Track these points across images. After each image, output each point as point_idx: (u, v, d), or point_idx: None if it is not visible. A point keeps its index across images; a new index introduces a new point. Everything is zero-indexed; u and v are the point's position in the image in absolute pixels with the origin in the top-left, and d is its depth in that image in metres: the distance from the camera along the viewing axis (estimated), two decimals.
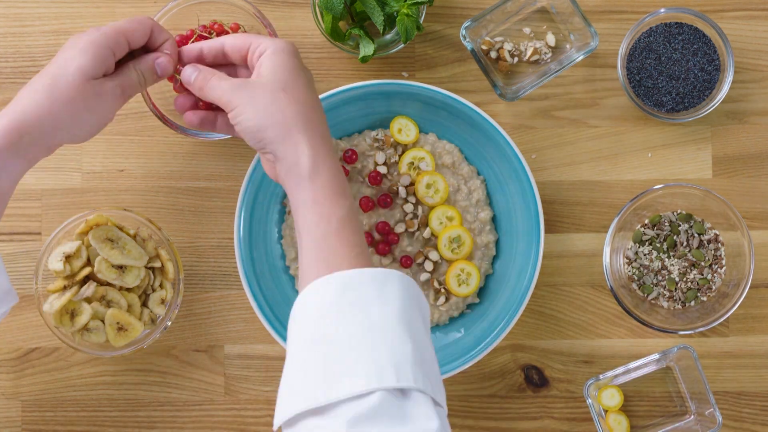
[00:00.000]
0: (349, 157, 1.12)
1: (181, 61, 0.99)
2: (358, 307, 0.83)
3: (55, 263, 1.05)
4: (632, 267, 1.14)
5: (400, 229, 1.12)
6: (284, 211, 1.13)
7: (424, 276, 1.12)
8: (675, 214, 1.14)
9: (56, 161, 1.15)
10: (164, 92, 1.12)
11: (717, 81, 1.13)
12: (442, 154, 1.13)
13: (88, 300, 1.07)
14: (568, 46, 1.16)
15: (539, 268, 1.10)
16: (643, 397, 1.15)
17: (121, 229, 1.09)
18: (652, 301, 1.14)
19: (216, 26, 1.12)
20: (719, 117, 1.16)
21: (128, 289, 1.09)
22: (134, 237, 1.09)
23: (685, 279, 1.14)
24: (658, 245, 1.14)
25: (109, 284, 1.08)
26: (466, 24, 1.11)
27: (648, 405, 1.15)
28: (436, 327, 1.14)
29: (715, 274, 1.14)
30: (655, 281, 1.14)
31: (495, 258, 1.14)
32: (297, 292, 1.13)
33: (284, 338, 1.10)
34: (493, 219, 1.14)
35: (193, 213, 1.15)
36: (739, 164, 1.15)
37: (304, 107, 0.91)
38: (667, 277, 1.14)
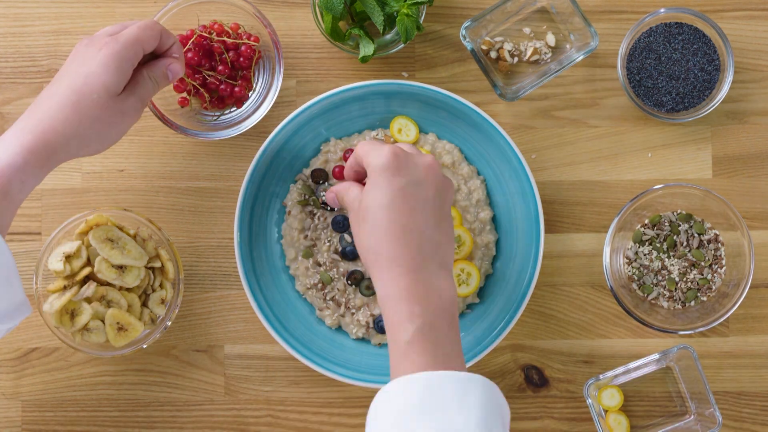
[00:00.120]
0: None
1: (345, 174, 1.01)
2: (439, 413, 0.82)
3: (55, 263, 1.05)
4: (632, 267, 1.14)
5: None
6: (284, 211, 1.13)
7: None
8: (675, 214, 1.14)
9: None
10: (164, 92, 1.12)
11: (717, 81, 1.13)
12: (442, 154, 1.13)
13: (88, 300, 1.07)
14: (568, 46, 1.16)
15: (539, 268, 1.10)
16: (643, 397, 1.15)
17: (121, 229, 1.09)
18: (652, 301, 1.14)
19: (216, 26, 1.12)
20: (719, 117, 1.16)
21: (128, 289, 1.09)
22: (134, 237, 1.09)
23: (685, 279, 1.14)
24: (658, 245, 1.14)
25: (109, 284, 1.08)
26: (466, 24, 1.11)
27: (648, 405, 1.15)
28: None
29: (715, 274, 1.14)
30: (655, 281, 1.14)
31: (495, 258, 1.14)
32: (297, 292, 1.13)
33: (284, 338, 1.10)
34: (493, 219, 1.14)
35: (193, 213, 1.15)
36: (739, 164, 1.16)
37: (376, 239, 0.90)
38: (667, 277, 1.14)
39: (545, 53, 1.15)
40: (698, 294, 1.14)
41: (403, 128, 1.13)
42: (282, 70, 1.11)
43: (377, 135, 1.12)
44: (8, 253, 0.92)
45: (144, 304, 1.10)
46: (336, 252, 1.12)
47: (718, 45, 1.12)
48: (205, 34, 1.11)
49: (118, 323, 1.07)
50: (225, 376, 1.14)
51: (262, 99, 1.13)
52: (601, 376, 1.11)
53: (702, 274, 1.14)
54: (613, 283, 1.11)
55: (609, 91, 1.16)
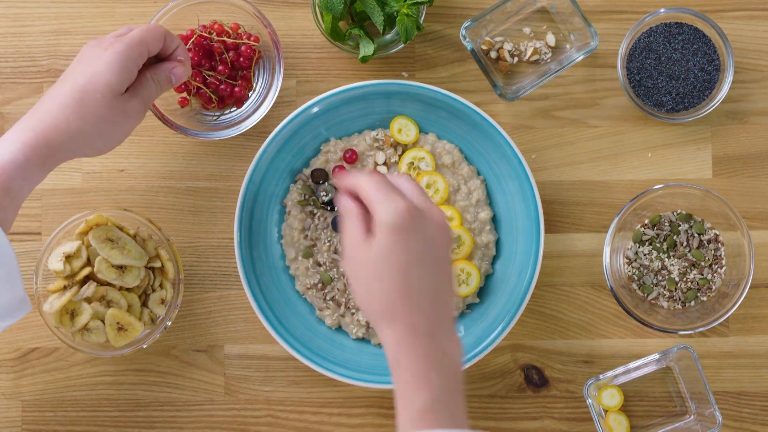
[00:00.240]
0: (349, 157, 1.12)
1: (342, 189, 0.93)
2: None
3: (55, 263, 1.05)
4: (632, 267, 1.14)
5: None
6: (284, 211, 1.13)
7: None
8: (675, 214, 1.14)
9: None
10: (165, 93, 1.12)
11: (717, 81, 1.13)
12: (442, 154, 1.13)
13: (88, 300, 1.07)
14: (568, 46, 1.15)
15: (539, 268, 1.10)
16: (643, 397, 1.15)
17: (121, 229, 1.09)
18: (652, 301, 1.14)
19: (216, 26, 1.12)
20: (719, 117, 1.16)
21: (128, 289, 1.09)
22: (134, 237, 1.09)
23: (685, 279, 1.14)
24: (658, 245, 1.14)
25: (109, 284, 1.08)
26: (466, 24, 1.11)
27: (648, 405, 1.15)
28: None
29: (715, 274, 1.14)
30: (655, 281, 1.14)
31: (495, 258, 1.14)
32: (297, 293, 1.13)
33: (284, 338, 1.10)
34: (493, 219, 1.14)
35: (193, 213, 1.15)
36: (739, 164, 1.15)
37: (392, 298, 0.87)
38: (667, 277, 1.14)
39: (545, 53, 1.15)
40: (698, 294, 1.14)
41: (403, 128, 1.13)
42: (282, 70, 1.11)
43: (377, 135, 1.12)
44: (10, 250, 0.92)
45: (144, 304, 1.10)
46: (336, 252, 1.12)
47: (718, 45, 1.12)
48: (205, 34, 1.11)
49: (118, 323, 1.07)
50: (225, 376, 1.14)
51: (262, 99, 1.13)
52: (601, 376, 1.11)
53: (702, 274, 1.14)
54: (613, 283, 1.11)
55: (609, 91, 1.16)
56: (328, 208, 1.12)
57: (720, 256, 1.14)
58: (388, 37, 1.14)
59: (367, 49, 1.10)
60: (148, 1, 1.15)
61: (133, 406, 1.14)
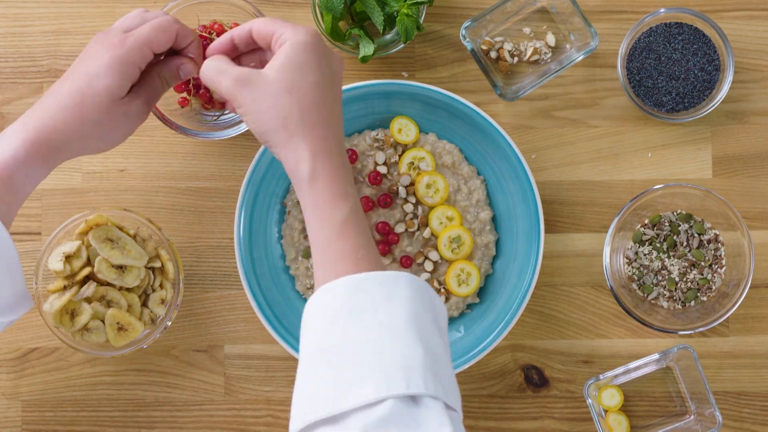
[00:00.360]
0: (349, 157, 1.12)
1: (213, 49, 0.97)
2: (366, 313, 0.82)
3: (55, 263, 1.05)
4: (632, 267, 1.14)
5: (400, 229, 1.12)
6: (284, 211, 1.13)
7: (424, 276, 1.12)
8: (675, 214, 1.14)
9: None
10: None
11: (717, 81, 1.13)
12: (442, 154, 1.13)
13: (88, 300, 1.07)
14: (568, 46, 1.16)
15: (539, 268, 1.10)
16: (643, 397, 1.15)
17: (121, 229, 1.09)
18: (652, 301, 1.14)
19: (216, 26, 1.12)
20: (719, 117, 1.16)
21: (128, 289, 1.09)
22: (134, 237, 1.09)
23: (685, 279, 1.14)
24: (658, 245, 1.14)
25: (109, 284, 1.08)
26: (466, 24, 1.11)
27: (648, 405, 1.15)
28: None
29: (715, 274, 1.14)
30: (655, 281, 1.14)
31: (495, 258, 1.14)
32: (297, 293, 1.13)
33: (284, 338, 1.10)
34: (493, 219, 1.14)
35: (193, 213, 1.15)
36: (739, 164, 1.16)
37: (308, 109, 0.89)
38: (667, 277, 1.14)
39: (545, 53, 1.15)
40: (698, 294, 1.14)
41: (403, 128, 1.13)
42: None
43: (377, 135, 1.12)
44: (12, 246, 0.92)
45: (144, 304, 1.10)
46: None
47: (718, 45, 1.12)
48: (205, 34, 1.11)
49: (118, 323, 1.07)
50: (225, 376, 1.14)
51: None
52: (601, 376, 1.11)
53: (702, 274, 1.14)
54: (613, 283, 1.11)
55: (609, 91, 1.16)
56: None
57: (720, 256, 1.14)
58: (388, 37, 1.14)
59: (367, 49, 1.10)
60: (148, 1, 1.15)
61: (133, 406, 1.14)
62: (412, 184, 1.12)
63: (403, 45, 1.12)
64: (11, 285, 0.93)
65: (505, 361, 1.15)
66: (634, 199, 1.10)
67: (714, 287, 1.14)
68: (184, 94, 1.13)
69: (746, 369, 1.15)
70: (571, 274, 1.15)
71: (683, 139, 1.16)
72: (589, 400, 1.11)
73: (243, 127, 1.12)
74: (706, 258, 1.14)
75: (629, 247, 1.15)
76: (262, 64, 0.97)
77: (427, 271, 1.12)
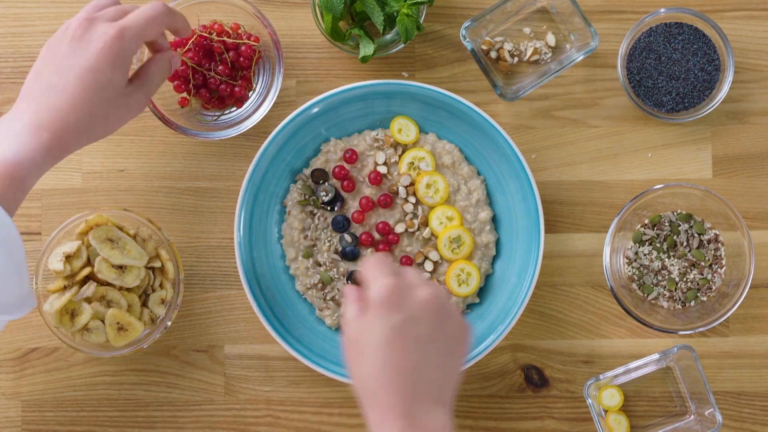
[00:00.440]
0: (349, 158, 1.12)
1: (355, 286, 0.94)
2: None
3: (55, 263, 1.05)
4: (632, 267, 1.14)
5: (400, 229, 1.12)
6: (284, 211, 1.13)
7: (424, 276, 1.12)
8: (675, 214, 1.14)
9: None
10: (164, 92, 1.12)
11: (717, 81, 1.13)
12: (442, 154, 1.13)
13: (88, 300, 1.07)
14: (568, 46, 1.16)
15: (539, 268, 1.10)
16: (643, 397, 1.15)
17: (121, 229, 1.09)
18: (652, 301, 1.14)
19: (216, 26, 1.12)
20: (719, 117, 1.16)
21: (128, 289, 1.09)
22: (134, 237, 1.09)
23: (685, 279, 1.14)
24: (658, 245, 1.14)
25: (109, 284, 1.08)
26: (466, 24, 1.11)
27: (648, 405, 1.15)
28: None
29: (715, 274, 1.14)
30: (655, 281, 1.14)
31: (495, 258, 1.14)
32: (297, 293, 1.13)
33: (284, 338, 1.10)
34: (493, 219, 1.14)
35: (193, 213, 1.15)
36: (739, 164, 1.15)
37: (369, 377, 0.86)
38: (667, 277, 1.14)
39: (545, 53, 1.15)
40: (698, 294, 1.14)
41: (403, 128, 1.13)
42: (282, 70, 1.11)
43: (377, 135, 1.12)
44: (21, 246, 0.93)
45: (144, 304, 1.10)
46: (336, 252, 1.12)
47: (718, 45, 1.12)
48: (205, 34, 1.11)
49: (118, 323, 1.07)
50: (225, 376, 1.14)
51: (262, 99, 1.13)
52: (601, 376, 1.11)
53: (702, 274, 1.14)
54: (613, 283, 1.11)
55: (609, 91, 1.16)
56: (328, 208, 1.12)
57: (720, 256, 1.14)
58: (388, 37, 1.14)
59: (367, 49, 1.10)
60: (148, 1, 1.15)
61: (133, 406, 1.14)
62: (412, 184, 1.12)
63: (403, 45, 1.12)
64: (18, 283, 0.93)
65: (505, 361, 1.15)
66: (634, 199, 1.10)
67: (714, 287, 1.14)
68: (184, 94, 1.13)
69: (746, 369, 1.15)
70: (571, 274, 1.15)
71: (683, 139, 1.16)
72: (589, 400, 1.11)
73: (243, 127, 1.12)
74: (706, 258, 1.14)
75: (629, 247, 1.15)
76: None
77: (427, 271, 1.12)
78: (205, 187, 1.15)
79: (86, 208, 1.15)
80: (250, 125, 1.12)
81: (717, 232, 1.14)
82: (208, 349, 1.14)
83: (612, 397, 1.13)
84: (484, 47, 1.15)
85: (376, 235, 1.12)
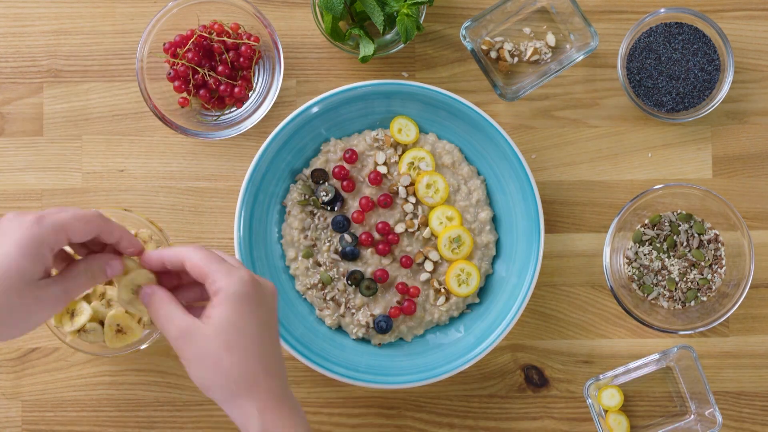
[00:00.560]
0: (349, 158, 1.12)
1: (144, 262, 0.92)
2: None
3: None
4: (632, 267, 1.14)
5: (400, 229, 1.12)
6: (284, 211, 1.13)
7: (424, 276, 1.12)
8: (675, 214, 1.14)
9: (56, 161, 1.15)
10: (164, 92, 1.12)
11: (717, 81, 1.13)
12: (442, 154, 1.13)
13: (88, 299, 1.07)
14: (568, 46, 1.16)
15: (539, 268, 1.10)
16: (643, 397, 1.15)
17: None
18: (652, 301, 1.14)
19: (216, 26, 1.12)
20: (719, 117, 1.16)
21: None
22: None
23: (685, 279, 1.14)
24: (658, 245, 1.14)
25: (109, 283, 1.08)
26: (466, 24, 1.11)
27: (648, 405, 1.15)
28: (436, 327, 1.14)
29: (715, 274, 1.14)
30: (655, 281, 1.14)
31: (495, 258, 1.14)
32: (297, 293, 1.13)
33: (284, 338, 1.10)
34: (493, 219, 1.14)
35: (193, 213, 1.15)
36: (739, 164, 1.15)
37: (249, 364, 0.87)
38: (667, 277, 1.14)
39: (545, 53, 1.15)
40: (698, 294, 1.14)
41: (403, 128, 1.13)
42: (282, 70, 1.11)
43: (377, 135, 1.12)
44: None
45: None
46: (336, 252, 1.12)
47: (718, 45, 1.12)
48: (205, 34, 1.11)
49: (117, 325, 1.07)
50: None
51: (262, 99, 1.13)
52: (601, 376, 1.11)
53: (702, 274, 1.14)
54: (613, 283, 1.11)
55: (609, 91, 1.16)
56: (328, 208, 1.12)
57: (720, 256, 1.14)
58: (388, 37, 1.14)
59: (367, 49, 1.10)
60: (148, 1, 1.15)
61: (133, 406, 1.14)
62: (412, 184, 1.12)
63: (403, 45, 1.12)
64: None
65: (505, 361, 1.15)
66: (634, 199, 1.10)
67: (714, 287, 1.14)
68: (184, 94, 1.13)
69: (746, 369, 1.15)
70: (571, 274, 1.15)
71: (683, 139, 1.16)
72: (589, 400, 1.11)
73: (243, 127, 1.12)
74: (706, 258, 1.14)
75: (629, 247, 1.15)
76: (202, 296, 0.94)
77: (427, 271, 1.12)
78: (205, 187, 1.15)
79: (86, 208, 1.14)
80: (250, 125, 1.12)
81: (717, 232, 1.14)
82: None
83: (612, 397, 1.13)
84: (484, 47, 1.15)
85: (376, 235, 1.12)
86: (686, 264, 1.14)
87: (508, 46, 1.15)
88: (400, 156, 1.13)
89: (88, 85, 1.15)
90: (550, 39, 1.15)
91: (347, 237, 1.11)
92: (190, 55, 1.10)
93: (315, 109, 1.10)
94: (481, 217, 1.12)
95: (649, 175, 1.15)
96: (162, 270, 0.92)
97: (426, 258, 1.12)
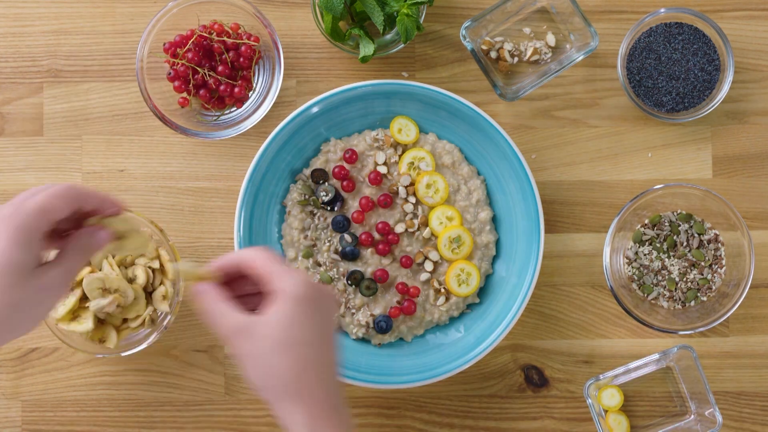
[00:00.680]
0: (349, 158, 1.12)
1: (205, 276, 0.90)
2: None
3: None
4: (632, 267, 1.14)
5: (400, 229, 1.12)
6: (284, 211, 1.13)
7: (424, 276, 1.12)
8: (675, 214, 1.14)
9: (56, 161, 1.15)
10: (164, 92, 1.12)
11: (717, 81, 1.13)
12: (442, 154, 1.13)
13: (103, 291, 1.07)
14: (568, 46, 1.16)
15: (539, 268, 1.10)
16: (643, 397, 1.15)
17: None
18: (652, 301, 1.14)
19: (216, 26, 1.12)
20: (719, 117, 1.16)
21: (133, 281, 1.09)
22: None
23: (685, 279, 1.14)
24: (658, 245, 1.14)
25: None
26: (466, 24, 1.11)
27: (648, 405, 1.15)
28: (436, 327, 1.14)
29: (715, 274, 1.14)
30: (655, 281, 1.14)
31: (495, 258, 1.14)
32: None
33: None
34: (493, 219, 1.14)
35: (193, 213, 1.15)
36: (739, 164, 1.15)
37: (304, 369, 0.85)
38: (667, 277, 1.14)
39: (545, 53, 1.15)
40: (698, 294, 1.14)
41: (403, 128, 1.13)
42: (282, 70, 1.11)
43: (377, 135, 1.12)
44: None
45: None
46: (336, 252, 1.12)
47: (718, 45, 1.12)
48: (205, 34, 1.11)
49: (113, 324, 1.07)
50: (225, 376, 1.14)
51: (262, 99, 1.13)
52: (601, 376, 1.11)
53: (702, 274, 1.14)
54: (613, 283, 1.11)
55: (609, 91, 1.16)
56: (328, 208, 1.12)
57: (720, 256, 1.14)
58: (388, 37, 1.14)
59: (367, 49, 1.10)
60: (148, 1, 1.15)
61: (133, 406, 1.14)
62: (412, 184, 1.12)
63: (403, 45, 1.12)
64: None
65: (505, 361, 1.15)
66: (634, 199, 1.10)
67: (714, 287, 1.14)
68: (184, 94, 1.13)
69: (746, 369, 1.15)
70: (571, 274, 1.15)
71: (683, 139, 1.16)
72: (589, 400, 1.11)
73: (243, 127, 1.12)
74: (706, 258, 1.14)
75: (629, 247, 1.15)
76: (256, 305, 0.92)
77: (427, 271, 1.12)
78: (205, 187, 1.15)
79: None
80: (250, 125, 1.12)
81: (717, 232, 1.14)
82: (208, 349, 1.14)
83: (612, 397, 1.13)
84: (484, 47, 1.15)
85: (376, 235, 1.12)
86: (686, 264, 1.14)
87: (508, 46, 1.15)
88: (400, 156, 1.13)
89: (88, 85, 1.15)
90: (550, 39, 1.15)
91: (347, 237, 1.11)
92: (190, 55, 1.10)
93: (315, 109, 1.10)
94: (481, 217, 1.12)
95: (649, 175, 1.15)
96: (224, 279, 0.89)
97: (426, 258, 1.12)
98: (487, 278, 1.14)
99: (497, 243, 1.14)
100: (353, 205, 1.12)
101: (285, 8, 1.16)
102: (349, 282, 1.11)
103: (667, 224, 1.14)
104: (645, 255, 1.14)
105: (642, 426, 1.15)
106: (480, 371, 1.14)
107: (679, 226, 1.14)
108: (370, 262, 1.12)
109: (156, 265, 1.09)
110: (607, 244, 1.11)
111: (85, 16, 1.15)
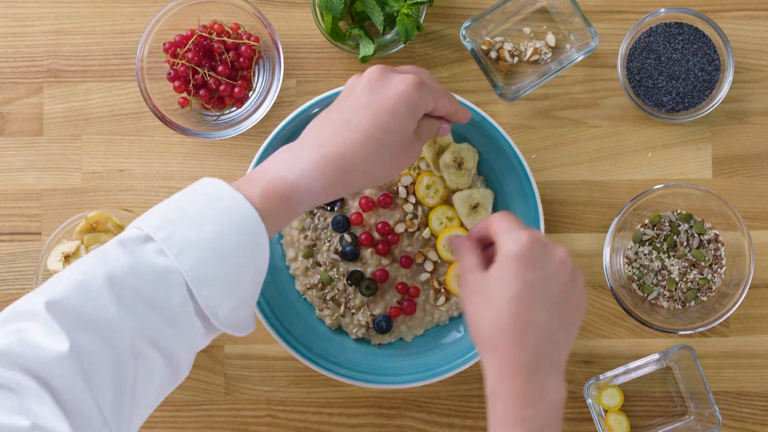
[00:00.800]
0: None
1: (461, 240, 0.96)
2: None
3: (54, 263, 1.05)
4: (632, 267, 1.14)
5: (400, 229, 1.12)
6: None
7: (424, 276, 1.12)
8: (675, 214, 1.14)
9: (56, 161, 1.15)
10: (165, 92, 1.12)
11: (717, 81, 1.13)
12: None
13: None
14: (568, 46, 1.16)
15: None
16: (643, 397, 1.15)
17: (121, 228, 1.09)
18: (652, 301, 1.14)
19: (216, 26, 1.12)
20: (719, 117, 1.16)
21: None
22: None
23: (685, 279, 1.14)
24: (658, 245, 1.14)
25: None
26: (466, 24, 1.11)
27: (648, 405, 1.15)
28: (436, 327, 1.14)
29: (715, 274, 1.14)
30: (655, 281, 1.14)
31: None
32: (297, 293, 1.13)
33: (284, 338, 1.10)
34: None
35: None
36: (739, 164, 1.16)
37: (496, 326, 0.87)
38: (667, 277, 1.14)
39: (545, 53, 1.15)
40: (698, 294, 1.14)
41: None
42: (282, 70, 1.11)
43: None
44: (266, 269, 0.90)
45: None
46: (336, 252, 1.12)
47: (718, 45, 1.12)
48: (205, 34, 1.11)
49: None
50: (225, 376, 1.14)
51: (262, 99, 1.13)
52: (601, 376, 1.11)
53: (702, 274, 1.14)
54: (613, 283, 1.11)
55: (609, 91, 1.16)
56: (328, 208, 1.12)
57: (720, 256, 1.14)
58: (388, 37, 1.14)
59: (367, 49, 1.10)
60: (148, 1, 1.15)
61: None
62: (412, 184, 1.12)
63: (403, 45, 1.12)
64: (252, 303, 0.91)
65: None
66: (634, 199, 1.10)
67: (714, 287, 1.14)
68: (184, 94, 1.13)
69: (746, 369, 1.15)
70: None
71: (683, 139, 1.16)
72: (589, 400, 1.11)
73: (243, 127, 1.12)
74: (706, 258, 1.14)
75: (629, 247, 1.15)
76: None
77: (427, 271, 1.12)
78: None
79: (86, 208, 1.15)
80: (250, 125, 1.12)
81: (717, 232, 1.14)
82: (208, 349, 1.14)
83: (612, 397, 1.13)
84: (484, 47, 1.15)
85: (376, 235, 1.12)
86: (686, 264, 1.14)
87: (508, 46, 1.15)
88: None
89: (88, 85, 1.15)
90: (550, 39, 1.15)
91: (347, 237, 1.11)
92: (190, 55, 1.10)
93: (315, 109, 1.10)
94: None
95: (649, 175, 1.15)
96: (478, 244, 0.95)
97: (426, 258, 1.12)
98: None
99: None
100: (353, 205, 1.12)
101: (285, 8, 1.16)
102: (349, 282, 1.11)
103: (667, 224, 1.14)
104: (645, 255, 1.14)
105: (642, 426, 1.15)
106: (480, 371, 1.14)
107: (679, 226, 1.14)
108: (370, 262, 1.12)
109: None
110: (607, 244, 1.11)
111: (85, 16, 1.15)
